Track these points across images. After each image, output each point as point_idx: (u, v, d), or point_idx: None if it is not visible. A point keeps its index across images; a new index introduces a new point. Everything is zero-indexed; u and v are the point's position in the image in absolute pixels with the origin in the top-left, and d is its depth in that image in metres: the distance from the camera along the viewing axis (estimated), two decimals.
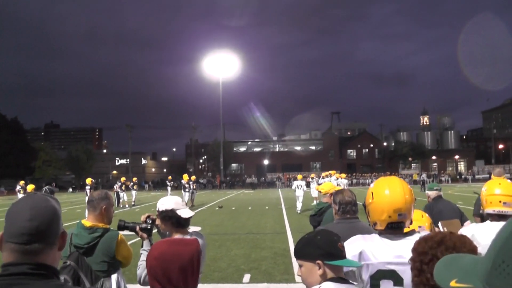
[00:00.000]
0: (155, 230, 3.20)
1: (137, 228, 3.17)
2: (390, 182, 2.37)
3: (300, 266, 2.00)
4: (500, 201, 3.15)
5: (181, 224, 2.97)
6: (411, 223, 2.34)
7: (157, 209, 3.07)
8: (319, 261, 1.91)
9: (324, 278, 1.91)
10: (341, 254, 1.95)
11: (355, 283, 2.04)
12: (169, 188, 31.10)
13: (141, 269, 2.83)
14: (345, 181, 23.64)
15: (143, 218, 3.22)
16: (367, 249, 2.27)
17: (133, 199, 28.86)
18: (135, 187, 29.61)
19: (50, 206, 1.51)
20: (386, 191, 2.30)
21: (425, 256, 1.45)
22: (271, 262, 9.05)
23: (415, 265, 1.48)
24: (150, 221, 3.17)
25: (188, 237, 2.92)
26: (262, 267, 8.63)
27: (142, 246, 3.12)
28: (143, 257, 2.92)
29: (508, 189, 3.17)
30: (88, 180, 24.48)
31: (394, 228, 2.30)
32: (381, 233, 2.34)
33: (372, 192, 2.37)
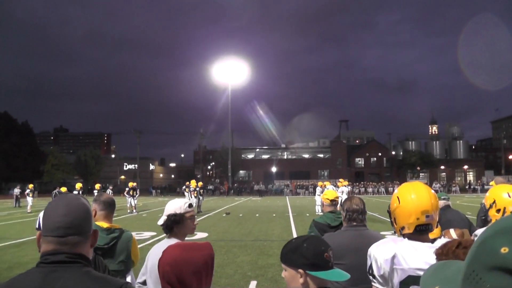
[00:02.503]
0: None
1: None
2: (415, 186, 2.38)
3: (285, 269, 1.97)
4: None
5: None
6: (437, 226, 2.34)
7: (165, 211, 3.06)
8: (301, 270, 1.87)
9: (305, 287, 1.88)
10: (326, 265, 1.89)
11: None
12: (186, 194, 30.18)
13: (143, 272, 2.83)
14: (345, 189, 23.64)
15: None
16: (399, 253, 2.25)
17: (133, 205, 26.85)
18: (131, 192, 27.13)
19: (83, 203, 1.67)
20: (412, 194, 2.30)
21: (446, 258, 1.46)
22: (278, 269, 9.00)
23: None
24: None
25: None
26: (268, 274, 8.62)
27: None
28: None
29: None
30: (97, 186, 24.66)
31: (423, 231, 2.29)
32: (409, 237, 2.32)
33: (397, 197, 2.36)
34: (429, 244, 2.26)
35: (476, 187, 66.83)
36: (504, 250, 0.65)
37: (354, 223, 3.45)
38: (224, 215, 23.93)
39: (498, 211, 3.04)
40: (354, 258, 3.02)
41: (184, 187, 31.39)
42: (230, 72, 69.65)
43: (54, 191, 21.56)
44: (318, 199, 23.87)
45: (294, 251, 1.93)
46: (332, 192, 5.07)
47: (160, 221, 3.04)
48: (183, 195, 42.93)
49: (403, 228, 2.33)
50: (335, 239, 3.42)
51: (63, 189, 23.58)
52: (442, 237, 2.71)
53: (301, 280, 1.87)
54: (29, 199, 29.36)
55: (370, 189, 63.98)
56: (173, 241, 2.93)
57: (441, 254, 1.52)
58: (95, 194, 23.27)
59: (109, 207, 3.52)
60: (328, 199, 4.93)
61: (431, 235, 2.38)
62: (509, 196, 3.20)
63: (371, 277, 2.37)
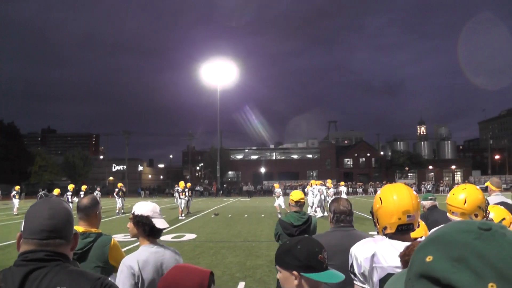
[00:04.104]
0: None
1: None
2: (397, 187, 2.43)
3: (279, 271, 1.95)
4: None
5: (153, 233, 2.90)
6: (418, 226, 2.37)
7: (132, 211, 3.00)
8: (295, 272, 1.86)
9: None
10: (320, 267, 1.88)
11: None
12: (176, 195, 29.85)
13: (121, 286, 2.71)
14: (320, 187, 24.15)
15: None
16: (379, 252, 2.28)
17: (120, 206, 26.90)
18: (120, 193, 27.53)
19: (65, 207, 1.71)
20: (394, 195, 2.35)
21: (405, 260, 1.46)
22: (266, 270, 9.01)
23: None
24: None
25: (155, 246, 2.88)
26: (257, 275, 8.60)
27: None
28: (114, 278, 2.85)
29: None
30: (83, 187, 24.49)
31: (404, 230, 2.33)
32: (390, 237, 2.36)
33: (380, 198, 2.41)
34: (408, 243, 2.26)
35: None
36: (428, 258, 0.68)
37: (342, 224, 3.47)
38: (213, 216, 23.89)
39: (475, 215, 3.07)
40: (342, 259, 3.01)
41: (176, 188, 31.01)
42: (219, 74, 69.72)
43: (40, 193, 21.38)
44: (310, 199, 24.16)
45: (287, 253, 1.92)
46: (297, 193, 5.28)
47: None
48: (172, 196, 42.85)
49: (385, 228, 2.37)
50: (323, 239, 3.42)
51: (56, 191, 23.01)
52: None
53: (295, 282, 1.86)
54: (15, 201, 28.91)
55: (359, 190, 64.36)
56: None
57: (403, 255, 1.53)
58: (81, 195, 23.13)
59: (82, 211, 3.41)
60: (293, 200, 5.18)
61: (413, 235, 2.41)
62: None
63: (352, 275, 2.39)
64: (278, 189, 25.76)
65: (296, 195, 5.22)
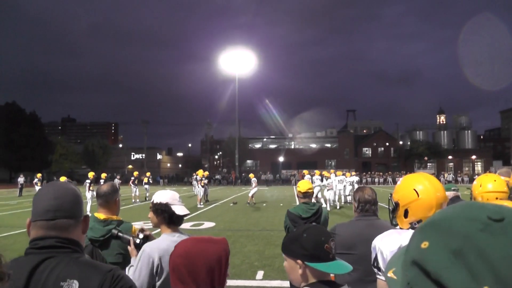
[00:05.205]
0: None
1: (131, 242, 2.97)
2: (431, 178, 2.31)
3: (285, 259, 1.91)
4: (496, 198, 3.07)
5: (173, 220, 2.86)
6: None
7: (151, 200, 2.96)
8: (299, 261, 1.81)
9: (304, 279, 1.82)
10: (326, 257, 1.81)
11: None
12: (194, 183, 29.87)
13: (138, 275, 2.64)
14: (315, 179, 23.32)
15: (136, 231, 3.06)
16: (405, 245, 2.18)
17: (138, 194, 27.74)
18: (136, 182, 28.48)
19: (72, 188, 1.69)
20: (431, 187, 2.24)
21: None
22: None
23: None
24: (142, 236, 2.97)
25: (177, 235, 2.83)
26: (275, 264, 8.57)
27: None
28: (133, 261, 2.79)
29: (502, 186, 3.09)
30: (103, 175, 24.74)
31: None
32: (415, 229, 2.26)
33: (415, 189, 2.27)
34: None
35: None
36: (424, 244, 0.64)
37: (367, 213, 3.40)
38: (231, 204, 23.98)
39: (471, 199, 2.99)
40: (365, 248, 2.95)
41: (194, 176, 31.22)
42: (237, 63, 69.50)
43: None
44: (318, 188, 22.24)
45: (293, 241, 1.87)
46: (305, 183, 5.05)
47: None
48: (191, 185, 43.07)
49: (420, 221, 2.25)
50: (346, 229, 3.42)
51: (62, 178, 23.22)
52: None
53: (300, 271, 1.82)
54: (37, 188, 29.54)
55: (377, 179, 63.88)
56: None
57: None
58: (101, 183, 23.34)
59: (102, 197, 3.40)
60: (300, 191, 4.99)
61: None
62: (481, 185, 3.15)
63: (376, 269, 2.32)
64: (254, 179, 26.01)
65: (303, 185, 5.01)
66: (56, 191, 1.62)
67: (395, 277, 0.76)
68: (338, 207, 21.19)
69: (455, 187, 6.26)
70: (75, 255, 1.54)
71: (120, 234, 3.04)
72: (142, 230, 3.02)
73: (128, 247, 2.99)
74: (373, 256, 2.35)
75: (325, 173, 24.60)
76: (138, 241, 2.94)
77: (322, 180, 22.63)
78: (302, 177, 22.76)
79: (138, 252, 2.84)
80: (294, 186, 55.02)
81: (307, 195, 4.95)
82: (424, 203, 2.24)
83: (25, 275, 1.45)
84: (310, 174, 25.11)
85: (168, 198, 2.91)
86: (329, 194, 21.39)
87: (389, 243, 2.25)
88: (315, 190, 22.15)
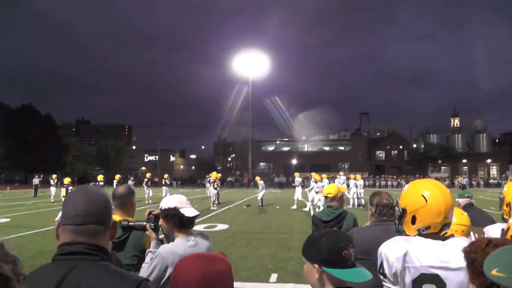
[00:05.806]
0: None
1: (148, 226, 2.91)
2: (438, 185, 2.29)
3: (304, 262, 1.89)
4: None
5: (184, 224, 2.84)
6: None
7: (159, 207, 2.94)
8: (316, 265, 1.78)
9: (321, 284, 1.78)
10: (344, 263, 1.76)
11: None
12: (208, 185, 29.95)
13: (149, 273, 2.64)
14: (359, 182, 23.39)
15: (146, 214, 3.00)
16: (411, 251, 2.16)
17: (151, 196, 28.12)
18: (149, 183, 28.89)
19: (102, 193, 1.66)
20: (440, 193, 2.22)
21: (475, 256, 1.40)
22: (299, 262, 8.93)
23: (471, 268, 1.42)
24: (153, 217, 2.92)
25: (192, 239, 2.81)
26: (289, 267, 8.56)
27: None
28: (148, 259, 2.76)
29: None
30: (117, 176, 24.96)
31: (444, 229, 2.23)
32: (422, 235, 2.23)
33: (423, 195, 2.24)
34: (441, 241, 2.19)
35: (500, 181, 65.65)
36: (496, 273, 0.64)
37: (384, 218, 3.39)
38: (244, 207, 23.97)
39: (507, 205, 2.90)
40: None
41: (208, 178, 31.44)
42: (250, 65, 69.74)
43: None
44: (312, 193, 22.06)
45: (311, 244, 1.85)
46: (330, 187, 5.10)
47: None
48: (204, 187, 43.18)
49: (428, 227, 2.23)
50: (364, 234, 3.39)
51: (67, 179, 24.49)
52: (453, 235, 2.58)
53: (316, 276, 1.79)
54: (52, 189, 29.83)
55: (390, 183, 63.50)
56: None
57: (469, 252, 1.47)
58: (115, 184, 23.53)
59: (118, 199, 3.40)
60: (324, 195, 5.11)
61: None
62: None
63: (382, 276, 2.28)
64: (261, 182, 25.39)
65: (327, 189, 5.08)
66: (86, 195, 1.60)
67: (502, 275, 0.74)
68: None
69: (469, 194, 6.09)
70: (103, 262, 1.52)
71: (130, 223, 2.98)
72: (151, 212, 2.96)
73: (146, 232, 2.95)
74: (378, 262, 2.31)
75: (315, 175, 23.40)
76: (153, 225, 2.91)
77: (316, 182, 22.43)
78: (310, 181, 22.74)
79: (156, 234, 2.89)
80: (307, 189, 54.79)
81: (335, 199, 4.99)
82: (433, 209, 2.21)
83: (53, 285, 1.41)
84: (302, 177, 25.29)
85: (176, 202, 2.90)
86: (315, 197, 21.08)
87: (395, 250, 2.21)
88: (312, 193, 21.86)
